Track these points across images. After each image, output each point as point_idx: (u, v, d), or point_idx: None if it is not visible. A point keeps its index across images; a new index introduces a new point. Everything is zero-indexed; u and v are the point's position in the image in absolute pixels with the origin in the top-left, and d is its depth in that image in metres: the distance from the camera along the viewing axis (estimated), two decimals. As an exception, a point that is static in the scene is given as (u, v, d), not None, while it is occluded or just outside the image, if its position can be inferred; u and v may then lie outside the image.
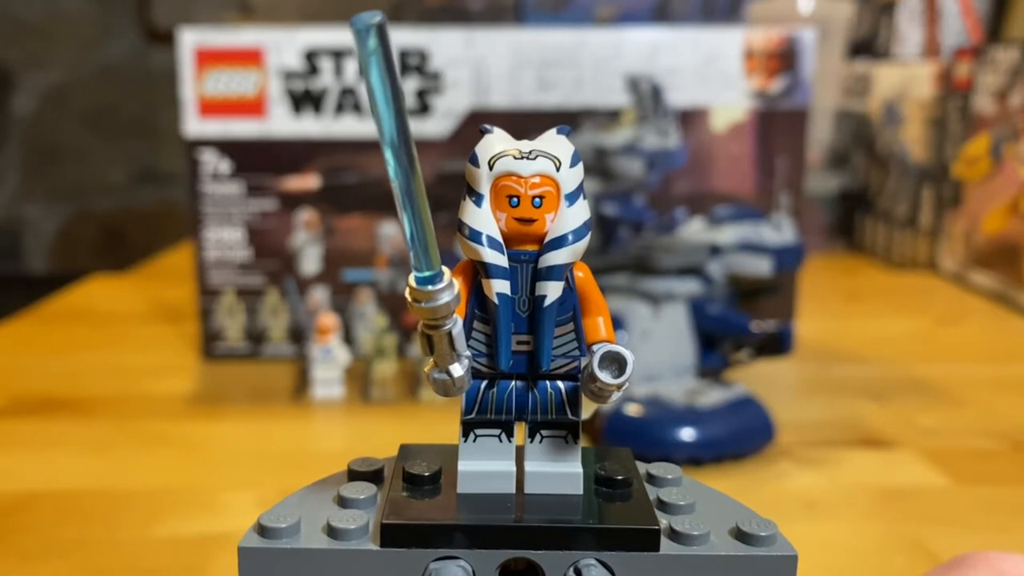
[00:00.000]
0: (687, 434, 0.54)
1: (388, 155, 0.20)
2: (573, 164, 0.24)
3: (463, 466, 0.24)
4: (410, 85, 0.72)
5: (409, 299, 0.22)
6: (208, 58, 0.72)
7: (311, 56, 0.72)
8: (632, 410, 0.56)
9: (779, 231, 0.66)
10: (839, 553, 0.46)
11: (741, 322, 0.61)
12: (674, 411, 0.55)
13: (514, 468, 0.25)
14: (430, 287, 0.21)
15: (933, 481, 0.54)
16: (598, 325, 0.24)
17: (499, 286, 0.24)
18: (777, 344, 0.61)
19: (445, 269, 0.22)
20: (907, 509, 0.50)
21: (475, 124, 0.60)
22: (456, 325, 0.22)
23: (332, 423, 0.64)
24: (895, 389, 0.69)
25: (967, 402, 0.67)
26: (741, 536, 0.23)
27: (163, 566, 0.45)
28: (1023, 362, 0.78)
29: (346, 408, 0.65)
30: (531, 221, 0.23)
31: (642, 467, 0.27)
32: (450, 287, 0.22)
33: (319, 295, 0.75)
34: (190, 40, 0.72)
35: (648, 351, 0.60)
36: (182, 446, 0.59)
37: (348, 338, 0.73)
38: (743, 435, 0.56)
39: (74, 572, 0.44)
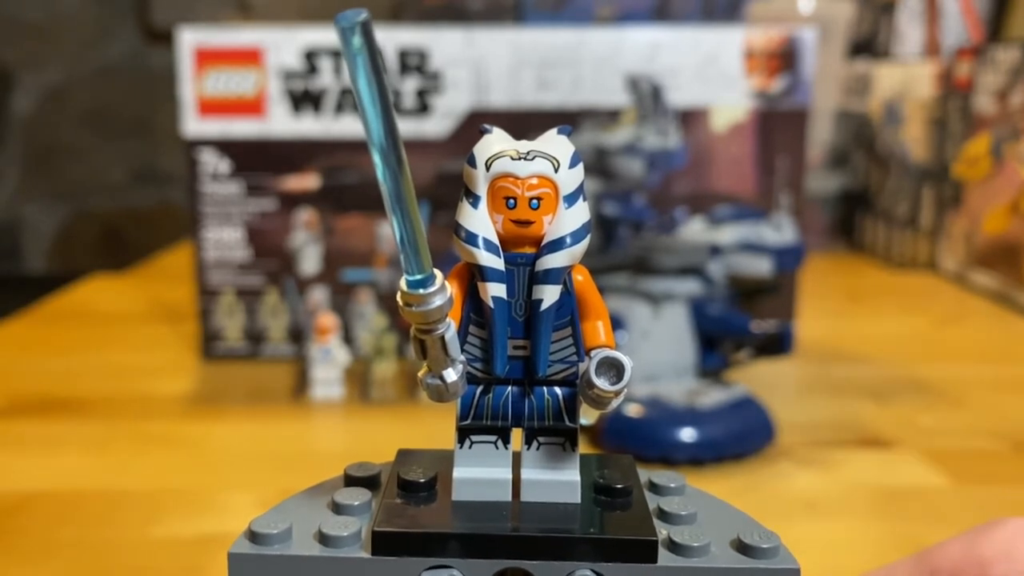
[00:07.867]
0: (687, 435, 0.54)
1: (376, 157, 0.19)
2: (572, 165, 0.23)
3: (458, 473, 0.24)
4: (410, 85, 0.72)
5: (401, 303, 0.21)
6: (207, 58, 0.72)
7: (310, 56, 0.72)
8: (632, 410, 0.56)
9: (779, 231, 0.66)
10: (839, 553, 0.45)
11: (741, 322, 0.61)
12: (674, 411, 0.55)
13: (510, 475, 0.24)
14: (421, 290, 0.21)
15: (933, 481, 0.54)
16: (597, 329, 0.24)
17: (495, 289, 0.23)
18: (777, 344, 0.61)
19: (437, 272, 0.21)
20: (907, 509, 0.50)
21: (475, 124, 0.60)
22: (449, 329, 0.22)
23: (332, 423, 0.64)
24: (895, 389, 0.69)
25: (967, 402, 0.67)
26: (742, 548, 0.23)
27: (162, 566, 0.45)
28: (1023, 362, 0.78)
29: (346, 408, 0.65)
30: (528, 223, 0.23)
31: (645, 475, 0.26)
32: (442, 290, 0.21)
33: (318, 295, 0.74)
34: (189, 40, 0.72)
35: (648, 351, 0.60)
36: (181, 446, 0.59)
37: (348, 338, 0.73)
38: (743, 435, 0.56)
39: (73, 572, 0.44)
